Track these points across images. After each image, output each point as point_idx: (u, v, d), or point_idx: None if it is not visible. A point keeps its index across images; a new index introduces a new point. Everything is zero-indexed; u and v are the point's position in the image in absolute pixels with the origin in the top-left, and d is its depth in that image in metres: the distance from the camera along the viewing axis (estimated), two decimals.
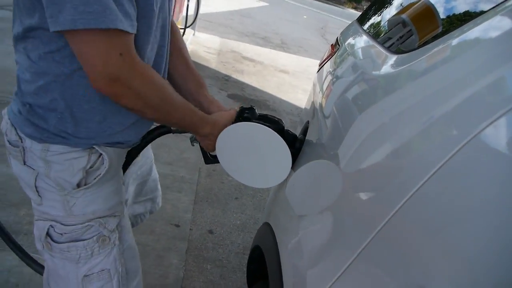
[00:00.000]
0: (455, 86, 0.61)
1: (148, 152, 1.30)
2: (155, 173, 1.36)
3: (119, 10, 0.70)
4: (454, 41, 0.69)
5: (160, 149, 2.93)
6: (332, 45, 1.43)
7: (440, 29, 0.83)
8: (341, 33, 1.46)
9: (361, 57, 1.10)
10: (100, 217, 0.96)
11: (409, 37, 0.90)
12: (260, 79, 5.63)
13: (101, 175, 0.93)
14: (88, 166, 0.90)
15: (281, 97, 5.04)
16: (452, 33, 0.72)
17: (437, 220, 0.55)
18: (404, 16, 1.00)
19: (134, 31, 0.76)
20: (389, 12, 1.25)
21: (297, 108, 4.79)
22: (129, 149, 1.03)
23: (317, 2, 31.32)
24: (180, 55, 1.08)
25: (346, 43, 1.24)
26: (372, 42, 1.04)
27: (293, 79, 6.13)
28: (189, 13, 5.51)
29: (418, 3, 1.03)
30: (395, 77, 0.82)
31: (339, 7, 33.15)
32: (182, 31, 5.37)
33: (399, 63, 0.82)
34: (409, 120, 0.66)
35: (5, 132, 0.92)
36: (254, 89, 5.10)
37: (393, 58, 0.86)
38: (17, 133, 0.88)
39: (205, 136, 1.00)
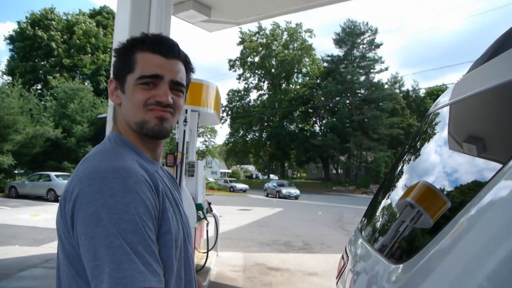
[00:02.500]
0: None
1: None
2: None
3: (147, 270, 0.81)
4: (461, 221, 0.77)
5: None
6: (342, 256, 1.52)
7: (449, 204, 0.90)
8: (349, 242, 1.56)
9: (367, 269, 1.17)
10: None
11: (420, 217, 0.98)
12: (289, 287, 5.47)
13: None
14: None
15: None
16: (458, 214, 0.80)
17: None
18: (409, 199, 1.11)
19: (162, 285, 0.84)
20: (384, 213, 1.37)
21: None
22: None
23: (328, 196, 32.84)
24: None
25: (352, 255, 1.33)
26: (374, 252, 1.13)
27: (324, 280, 5.95)
28: (209, 235, 5.78)
29: (417, 185, 1.15)
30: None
31: (349, 195, 34.49)
32: (205, 255, 5.53)
33: (404, 272, 0.88)
34: None
35: None
36: None
37: (398, 268, 0.93)
38: None
39: None
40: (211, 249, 5.84)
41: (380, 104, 44.02)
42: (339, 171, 49.35)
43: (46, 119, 25.01)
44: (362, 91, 46.34)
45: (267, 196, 31.31)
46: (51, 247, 7.73)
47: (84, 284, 0.86)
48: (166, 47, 1.00)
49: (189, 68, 1.07)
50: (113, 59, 1.06)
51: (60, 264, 0.93)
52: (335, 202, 25.42)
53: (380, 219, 1.39)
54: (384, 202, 1.47)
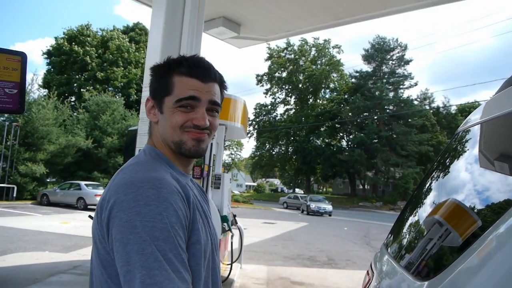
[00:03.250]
0: None
1: None
2: None
3: (177, 277, 0.85)
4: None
5: None
6: (367, 271, 1.52)
7: (479, 223, 0.90)
8: (375, 258, 1.56)
9: (393, 286, 1.17)
10: None
11: (448, 235, 0.98)
12: None
13: None
14: None
15: None
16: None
17: None
18: (437, 217, 1.11)
19: None
20: (412, 231, 1.37)
21: None
22: None
23: (354, 211, 32.29)
24: None
25: (378, 271, 1.33)
26: (399, 269, 1.13)
27: None
28: (234, 247, 5.81)
29: (446, 203, 1.14)
30: None
31: (376, 211, 33.80)
32: (229, 266, 5.55)
33: None
34: None
35: None
36: None
37: (423, 285, 0.93)
38: None
39: None
40: (235, 261, 5.84)
41: (409, 120, 43.27)
42: (366, 186, 48.56)
43: (79, 130, 25.85)
44: (391, 107, 45.73)
45: (302, 212, 28.34)
46: (79, 254, 7.93)
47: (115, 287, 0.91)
48: (202, 71, 1.04)
49: (223, 87, 1.11)
50: (148, 77, 1.11)
51: (93, 268, 0.97)
52: (362, 218, 24.97)
53: (407, 236, 1.38)
54: (411, 219, 1.46)
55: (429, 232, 1.14)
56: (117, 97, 32.11)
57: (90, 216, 4.82)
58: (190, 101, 1.02)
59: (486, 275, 0.78)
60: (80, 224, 13.03)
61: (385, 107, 45.39)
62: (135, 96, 34.62)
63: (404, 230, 1.44)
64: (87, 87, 34.60)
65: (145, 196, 0.88)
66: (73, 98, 35.72)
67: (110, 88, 35.18)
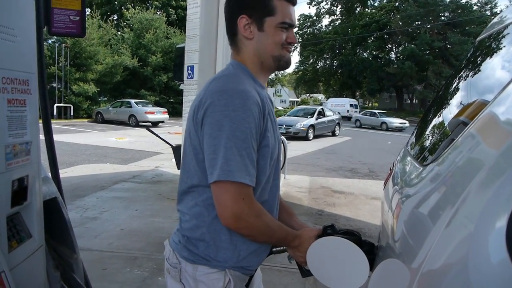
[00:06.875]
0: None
1: (260, 285, 1.54)
2: None
3: (245, 170, 1.10)
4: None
5: (265, 285, 3.10)
6: (390, 168, 1.68)
7: None
8: (397, 157, 1.71)
9: (406, 172, 1.33)
10: None
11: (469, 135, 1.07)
12: (352, 209, 5.76)
13: None
14: (225, 285, 1.22)
15: (376, 223, 5.05)
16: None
17: None
18: (462, 118, 1.18)
19: (253, 185, 1.14)
20: (427, 133, 1.48)
21: None
22: (248, 277, 1.32)
23: (400, 125, 31.67)
24: None
25: (398, 164, 1.49)
26: (411, 160, 1.28)
27: None
28: None
29: (474, 103, 1.18)
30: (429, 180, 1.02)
31: None
32: None
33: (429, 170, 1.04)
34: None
35: (168, 257, 1.29)
36: (347, 219, 5.21)
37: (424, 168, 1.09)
38: (177, 257, 1.25)
39: (295, 247, 1.29)
40: None
41: (467, 28, 39.92)
42: (414, 101, 46.99)
43: (124, 50, 26.36)
44: (447, 14, 42.12)
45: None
46: (137, 166, 8.67)
47: (199, 170, 1.19)
48: None
49: None
50: None
51: (186, 155, 1.25)
52: (407, 132, 24.66)
53: (430, 137, 1.48)
54: (436, 120, 1.55)
55: (453, 133, 1.20)
56: (158, 13, 31.83)
57: (147, 128, 5.23)
58: (288, 25, 1.23)
59: (464, 155, 0.89)
60: (134, 139, 13.95)
61: (440, 14, 41.90)
62: (175, 16, 34.11)
63: (427, 132, 1.53)
64: (128, 5, 34.34)
65: (233, 103, 1.10)
66: (115, 17, 35.77)
67: (150, 5, 34.75)
